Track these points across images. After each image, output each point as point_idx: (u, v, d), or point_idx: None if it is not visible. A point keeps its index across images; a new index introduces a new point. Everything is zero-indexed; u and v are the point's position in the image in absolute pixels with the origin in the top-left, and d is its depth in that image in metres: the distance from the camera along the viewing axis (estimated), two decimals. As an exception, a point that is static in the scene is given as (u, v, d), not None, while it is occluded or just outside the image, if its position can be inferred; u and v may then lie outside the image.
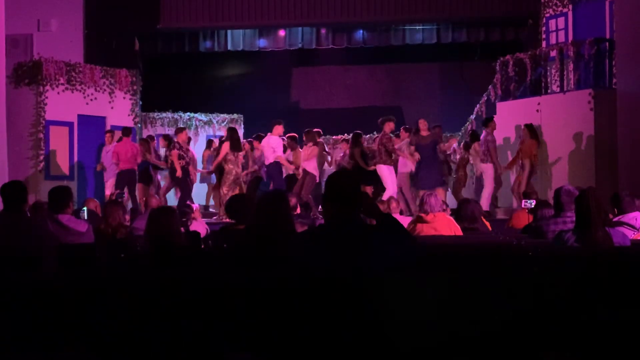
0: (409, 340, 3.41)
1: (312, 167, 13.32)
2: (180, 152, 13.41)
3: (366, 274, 3.53)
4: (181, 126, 15.86)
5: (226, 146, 13.17)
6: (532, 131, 12.89)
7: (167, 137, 14.44)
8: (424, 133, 13.10)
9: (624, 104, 12.29)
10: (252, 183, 14.36)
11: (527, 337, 3.68)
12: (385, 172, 12.86)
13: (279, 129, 13.41)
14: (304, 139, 13.66)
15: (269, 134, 13.53)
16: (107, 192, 14.27)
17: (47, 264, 5.10)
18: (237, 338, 3.65)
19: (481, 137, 13.60)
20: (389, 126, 12.96)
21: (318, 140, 13.90)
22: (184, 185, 13.55)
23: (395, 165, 13.18)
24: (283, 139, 13.89)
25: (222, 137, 14.71)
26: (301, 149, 13.85)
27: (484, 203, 12.95)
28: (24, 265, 4.94)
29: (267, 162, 13.53)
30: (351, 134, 14.02)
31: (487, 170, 13.25)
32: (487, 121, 13.49)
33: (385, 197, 12.99)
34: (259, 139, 14.32)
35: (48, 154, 15.22)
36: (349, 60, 20.58)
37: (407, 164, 13.37)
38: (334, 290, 3.46)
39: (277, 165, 13.44)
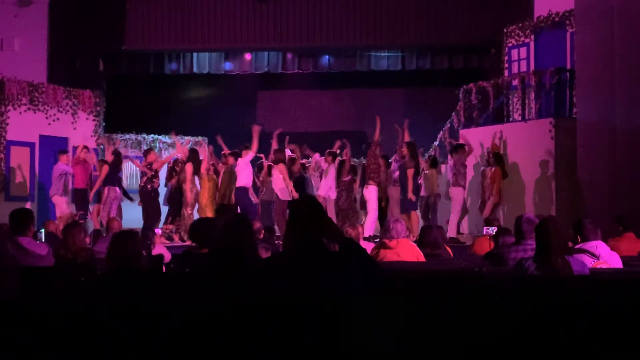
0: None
1: (278, 188, 13.35)
2: (151, 172, 13.43)
3: (328, 299, 3.54)
4: (148, 148, 15.73)
5: (189, 168, 13.18)
6: (498, 159, 13.05)
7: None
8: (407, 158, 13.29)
9: (584, 133, 12.49)
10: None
11: (487, 364, 3.71)
12: (373, 193, 13.05)
13: (247, 154, 13.42)
14: (273, 159, 13.66)
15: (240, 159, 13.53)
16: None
17: (7, 286, 5.02)
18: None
19: (450, 163, 13.66)
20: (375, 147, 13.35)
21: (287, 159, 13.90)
22: (152, 207, 13.52)
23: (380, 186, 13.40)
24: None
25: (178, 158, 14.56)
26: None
27: (451, 229, 13.03)
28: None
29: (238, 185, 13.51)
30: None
31: (457, 196, 13.29)
32: (458, 147, 13.56)
33: (368, 221, 13.09)
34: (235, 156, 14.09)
35: (8, 174, 15.00)
36: (315, 84, 20.69)
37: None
38: (295, 315, 3.46)
39: (245, 189, 13.44)
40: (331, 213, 13.29)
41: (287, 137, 15.03)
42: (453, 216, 13.37)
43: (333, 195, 13.60)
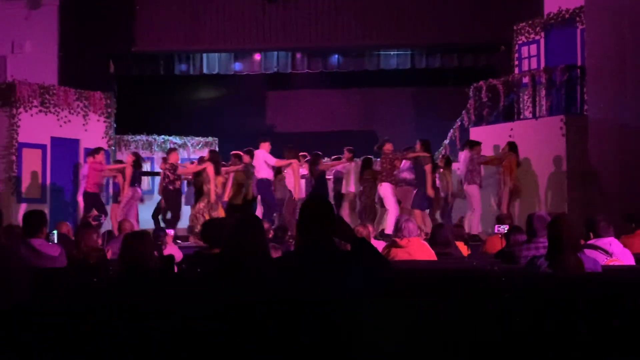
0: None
1: (290, 185, 13.40)
2: (174, 176, 13.46)
3: (339, 299, 3.54)
4: (172, 147, 15.71)
5: (211, 168, 13.22)
6: (513, 148, 12.97)
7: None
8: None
9: (595, 130, 12.45)
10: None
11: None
12: (388, 191, 13.00)
13: (265, 145, 13.44)
14: (285, 156, 13.71)
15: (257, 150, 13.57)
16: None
17: (19, 288, 5.04)
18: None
19: (463, 158, 13.57)
20: (388, 147, 13.17)
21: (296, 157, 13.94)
22: (174, 207, 13.56)
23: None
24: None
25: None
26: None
27: (475, 226, 12.92)
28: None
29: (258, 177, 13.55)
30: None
31: (474, 193, 13.20)
32: (474, 144, 13.50)
33: (389, 218, 13.06)
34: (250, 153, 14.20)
35: (20, 176, 15.07)
36: (324, 84, 20.67)
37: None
38: (306, 315, 3.46)
39: (268, 182, 13.46)
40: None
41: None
42: (475, 213, 13.16)
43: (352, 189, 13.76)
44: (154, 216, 14.21)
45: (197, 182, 13.71)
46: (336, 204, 13.77)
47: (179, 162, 14.34)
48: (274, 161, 13.52)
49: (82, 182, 14.14)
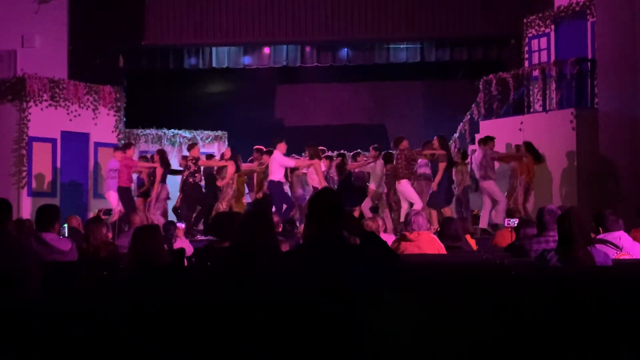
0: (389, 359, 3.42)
1: (316, 183, 13.33)
2: (194, 167, 13.48)
3: (348, 292, 3.54)
4: (194, 142, 15.71)
5: (232, 167, 13.24)
6: (530, 147, 12.90)
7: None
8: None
9: (606, 124, 12.41)
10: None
11: (509, 357, 3.69)
12: (407, 186, 12.97)
13: (281, 147, 13.43)
14: (307, 153, 13.67)
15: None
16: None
17: (31, 282, 5.07)
18: (219, 358, 3.64)
19: (476, 155, 13.51)
20: (404, 144, 13.09)
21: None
22: (192, 200, 13.64)
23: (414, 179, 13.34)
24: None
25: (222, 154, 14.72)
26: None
27: (499, 218, 12.81)
28: (7, 283, 4.90)
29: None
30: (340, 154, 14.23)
31: (492, 188, 13.04)
32: (488, 139, 13.41)
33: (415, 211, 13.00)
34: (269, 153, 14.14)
35: (31, 170, 15.12)
36: (333, 78, 20.65)
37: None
38: (316, 309, 3.46)
39: (279, 184, 13.44)
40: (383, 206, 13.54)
41: None
42: (500, 204, 13.01)
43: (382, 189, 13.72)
44: (174, 210, 14.31)
45: (212, 177, 13.77)
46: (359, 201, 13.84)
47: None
48: (293, 163, 13.51)
49: (109, 177, 14.15)
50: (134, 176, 14.60)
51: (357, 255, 3.74)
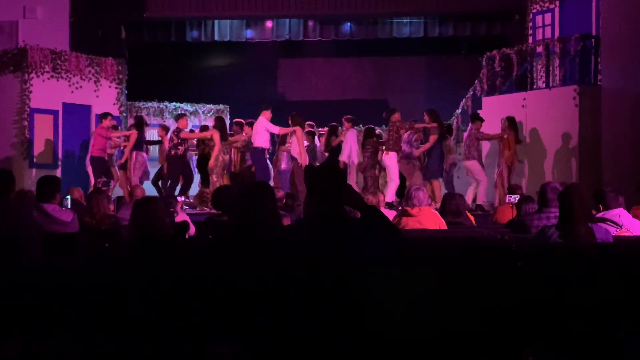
0: (392, 334, 3.43)
1: (296, 152, 13.23)
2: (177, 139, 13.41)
3: (349, 266, 3.54)
4: (182, 113, 15.62)
5: (217, 136, 13.16)
6: (512, 123, 12.93)
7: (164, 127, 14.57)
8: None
9: (609, 101, 12.38)
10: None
11: (509, 331, 3.71)
12: (393, 160, 12.94)
13: (266, 113, 13.34)
14: (290, 123, 13.56)
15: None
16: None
17: (31, 251, 5.09)
18: (220, 329, 3.66)
19: (465, 134, 13.55)
20: (395, 116, 13.06)
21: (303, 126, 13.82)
22: (174, 173, 13.56)
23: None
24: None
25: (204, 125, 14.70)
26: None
27: (480, 197, 12.89)
28: (8, 252, 4.92)
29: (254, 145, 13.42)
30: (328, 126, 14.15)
31: (474, 167, 13.11)
32: (475, 118, 13.38)
33: (390, 187, 12.99)
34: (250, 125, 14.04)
35: (32, 142, 15.12)
36: (336, 52, 20.57)
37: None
38: (317, 282, 3.47)
39: (262, 151, 13.37)
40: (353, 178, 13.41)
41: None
42: (481, 184, 13.07)
43: (355, 159, 13.58)
44: (154, 182, 14.21)
45: (200, 150, 13.71)
46: None
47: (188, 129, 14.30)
48: (277, 129, 13.34)
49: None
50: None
51: (359, 229, 3.74)
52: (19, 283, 3.88)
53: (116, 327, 3.73)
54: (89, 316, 3.75)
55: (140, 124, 14.26)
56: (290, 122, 13.42)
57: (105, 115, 14.12)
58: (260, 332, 3.51)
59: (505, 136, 12.86)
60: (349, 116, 13.83)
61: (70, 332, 3.76)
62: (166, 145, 13.96)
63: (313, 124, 14.76)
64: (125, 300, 3.78)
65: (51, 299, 3.79)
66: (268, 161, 13.75)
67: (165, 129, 14.51)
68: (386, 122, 13.63)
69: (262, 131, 13.17)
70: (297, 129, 13.15)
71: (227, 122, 16.20)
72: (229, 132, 14.13)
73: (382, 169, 13.57)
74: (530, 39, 15.71)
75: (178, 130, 13.40)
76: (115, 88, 16.50)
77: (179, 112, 16.85)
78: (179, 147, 13.39)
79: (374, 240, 3.70)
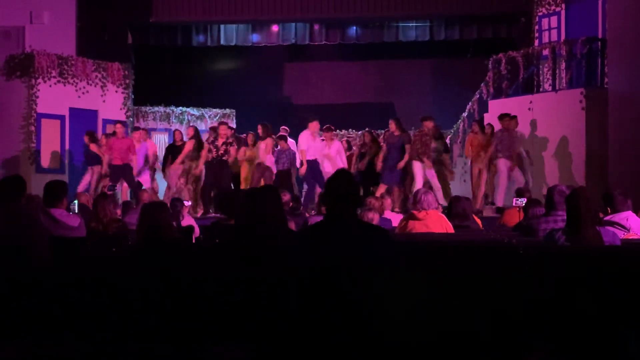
0: (398, 336, 3.43)
1: (270, 162, 13.35)
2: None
3: (360, 270, 3.54)
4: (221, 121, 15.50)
5: (190, 144, 13.36)
6: (482, 127, 13.07)
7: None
8: (396, 133, 13.07)
9: (615, 103, 12.34)
10: None
11: (517, 334, 3.70)
12: (417, 167, 12.78)
13: (313, 125, 13.35)
14: (260, 132, 13.54)
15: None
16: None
17: (39, 257, 5.10)
18: (227, 333, 3.65)
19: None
20: (427, 124, 12.77)
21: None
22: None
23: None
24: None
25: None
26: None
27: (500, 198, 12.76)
28: (17, 255, 4.94)
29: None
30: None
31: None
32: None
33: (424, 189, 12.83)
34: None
35: (39, 147, 15.16)
36: (342, 56, 20.57)
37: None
38: (326, 285, 3.47)
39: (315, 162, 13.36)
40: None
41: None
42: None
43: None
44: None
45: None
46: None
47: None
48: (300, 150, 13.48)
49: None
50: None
51: (369, 235, 3.74)
52: (28, 286, 3.89)
53: (123, 330, 3.74)
54: (96, 319, 3.76)
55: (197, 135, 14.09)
56: (259, 131, 13.48)
57: (136, 129, 14.28)
58: (267, 334, 3.51)
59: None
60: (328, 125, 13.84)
61: (78, 334, 3.76)
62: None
63: (287, 128, 14.77)
64: (132, 303, 3.78)
65: (59, 302, 3.80)
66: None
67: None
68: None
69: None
70: (267, 140, 13.35)
71: (234, 126, 16.15)
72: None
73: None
74: (536, 42, 15.68)
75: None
76: (122, 93, 16.54)
77: (187, 118, 16.90)
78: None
79: (386, 244, 3.70)
